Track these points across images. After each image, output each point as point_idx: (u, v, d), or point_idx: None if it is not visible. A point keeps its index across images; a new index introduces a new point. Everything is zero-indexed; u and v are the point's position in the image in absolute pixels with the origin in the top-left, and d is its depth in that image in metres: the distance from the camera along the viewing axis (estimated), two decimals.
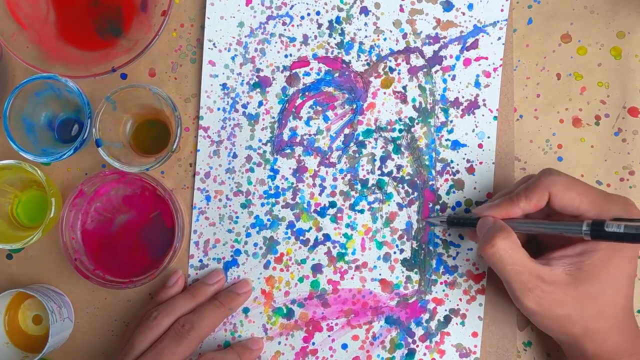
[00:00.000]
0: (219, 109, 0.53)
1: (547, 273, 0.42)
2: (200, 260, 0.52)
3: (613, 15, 0.52)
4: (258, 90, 0.53)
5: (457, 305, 0.51)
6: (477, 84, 0.52)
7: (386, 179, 0.52)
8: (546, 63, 0.53)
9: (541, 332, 0.51)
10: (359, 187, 0.52)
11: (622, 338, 0.43)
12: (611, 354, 0.43)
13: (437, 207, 0.52)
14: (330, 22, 0.53)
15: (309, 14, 0.53)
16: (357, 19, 0.52)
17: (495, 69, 0.52)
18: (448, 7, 0.52)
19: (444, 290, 0.52)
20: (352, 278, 0.52)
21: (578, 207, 0.43)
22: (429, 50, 0.52)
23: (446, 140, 0.52)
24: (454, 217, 0.49)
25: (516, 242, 0.43)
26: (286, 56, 0.53)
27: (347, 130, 0.53)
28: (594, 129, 0.52)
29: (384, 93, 0.52)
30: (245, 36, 0.53)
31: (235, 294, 0.51)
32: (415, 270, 0.52)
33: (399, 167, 0.52)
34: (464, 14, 0.52)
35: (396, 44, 0.52)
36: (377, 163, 0.52)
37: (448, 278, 0.52)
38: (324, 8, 0.52)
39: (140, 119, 0.54)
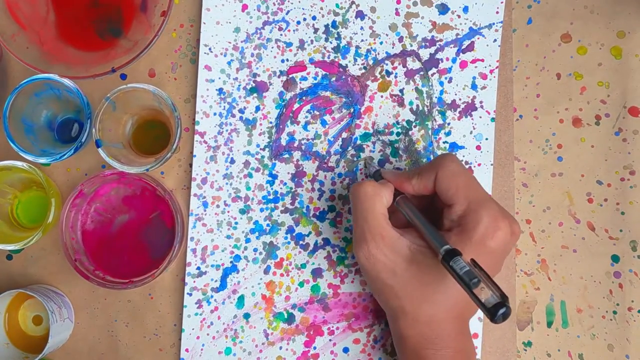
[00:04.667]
0: (215, 113, 0.53)
1: (392, 237, 0.43)
2: (198, 268, 0.52)
3: (613, 14, 0.52)
4: (255, 95, 0.53)
5: None
6: (474, 86, 0.52)
7: None
8: (546, 63, 0.52)
9: (541, 332, 0.51)
10: None
11: (430, 329, 0.43)
12: (419, 339, 0.43)
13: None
14: (326, 26, 0.53)
15: (305, 19, 0.53)
16: (353, 23, 0.52)
17: (491, 71, 0.52)
18: (443, 10, 0.52)
19: None
20: (352, 282, 0.52)
21: (452, 197, 0.43)
22: (425, 53, 0.52)
23: (444, 142, 0.52)
24: (378, 170, 0.50)
25: (385, 195, 0.45)
26: (283, 61, 0.53)
27: (345, 134, 0.53)
28: (594, 128, 0.52)
29: (381, 96, 0.52)
30: (242, 41, 0.53)
31: None
32: None
33: None
34: (459, 16, 0.52)
35: (392, 48, 0.52)
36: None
37: None
38: (319, 13, 0.53)
39: (140, 119, 0.54)
